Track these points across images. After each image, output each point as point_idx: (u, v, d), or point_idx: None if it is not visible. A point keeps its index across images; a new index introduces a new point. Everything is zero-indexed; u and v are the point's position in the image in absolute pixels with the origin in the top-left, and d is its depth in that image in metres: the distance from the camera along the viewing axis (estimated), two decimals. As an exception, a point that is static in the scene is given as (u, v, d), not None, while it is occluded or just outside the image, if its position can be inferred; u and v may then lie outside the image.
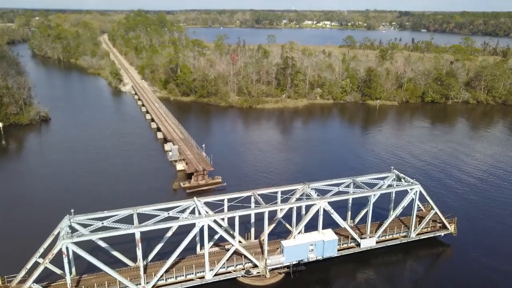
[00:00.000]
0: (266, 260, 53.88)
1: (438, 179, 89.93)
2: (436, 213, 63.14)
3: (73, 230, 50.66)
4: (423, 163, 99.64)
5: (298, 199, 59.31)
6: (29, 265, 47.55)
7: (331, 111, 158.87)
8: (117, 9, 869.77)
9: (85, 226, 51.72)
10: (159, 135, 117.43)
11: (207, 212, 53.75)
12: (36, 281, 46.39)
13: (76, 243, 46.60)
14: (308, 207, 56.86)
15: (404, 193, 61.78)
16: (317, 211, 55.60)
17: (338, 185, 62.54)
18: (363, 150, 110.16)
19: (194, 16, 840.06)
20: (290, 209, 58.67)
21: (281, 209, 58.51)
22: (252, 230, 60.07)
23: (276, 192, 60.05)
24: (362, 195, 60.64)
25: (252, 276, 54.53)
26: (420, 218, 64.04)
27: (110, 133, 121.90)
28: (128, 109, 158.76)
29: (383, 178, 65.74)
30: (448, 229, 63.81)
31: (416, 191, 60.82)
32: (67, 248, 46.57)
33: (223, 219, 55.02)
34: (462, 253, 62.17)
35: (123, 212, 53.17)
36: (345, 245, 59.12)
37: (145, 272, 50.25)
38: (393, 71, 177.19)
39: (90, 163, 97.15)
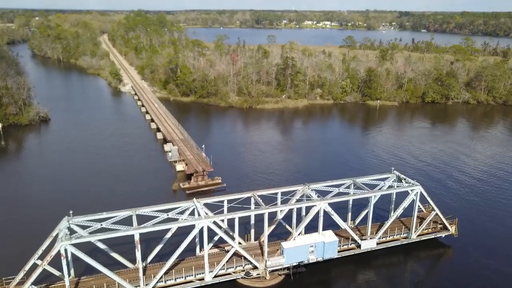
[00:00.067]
0: (266, 261, 53.68)
1: (439, 180, 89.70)
2: (437, 214, 62.95)
3: (71, 231, 50.46)
4: (423, 164, 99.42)
5: (298, 200, 59.04)
6: (27, 267, 47.20)
7: (331, 112, 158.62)
8: (117, 9, 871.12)
9: (84, 227, 51.60)
10: (159, 136, 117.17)
11: (206, 213, 53.51)
12: (35, 283, 46.13)
13: (75, 245, 46.37)
14: (308, 208, 56.68)
15: (405, 194, 61.53)
16: (317, 212, 55.34)
17: (338, 186, 62.34)
18: (363, 150, 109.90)
19: (194, 16, 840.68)
20: (290, 210, 58.44)
21: (281, 210, 58.23)
22: (252, 231, 59.86)
23: (276, 193, 59.86)
24: (362, 196, 60.44)
25: (252, 278, 54.24)
26: (421, 219, 63.79)
27: (109, 134, 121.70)
28: (128, 109, 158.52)
29: (383, 179, 65.51)
30: (449, 230, 63.62)
31: (417, 192, 60.60)
32: (65, 249, 46.36)
33: (222, 220, 54.80)
34: (463, 254, 61.96)
35: (122, 214, 52.94)
36: (345, 247, 58.98)
37: (144, 273, 50.08)
38: (393, 72, 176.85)
39: (90, 163, 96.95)
